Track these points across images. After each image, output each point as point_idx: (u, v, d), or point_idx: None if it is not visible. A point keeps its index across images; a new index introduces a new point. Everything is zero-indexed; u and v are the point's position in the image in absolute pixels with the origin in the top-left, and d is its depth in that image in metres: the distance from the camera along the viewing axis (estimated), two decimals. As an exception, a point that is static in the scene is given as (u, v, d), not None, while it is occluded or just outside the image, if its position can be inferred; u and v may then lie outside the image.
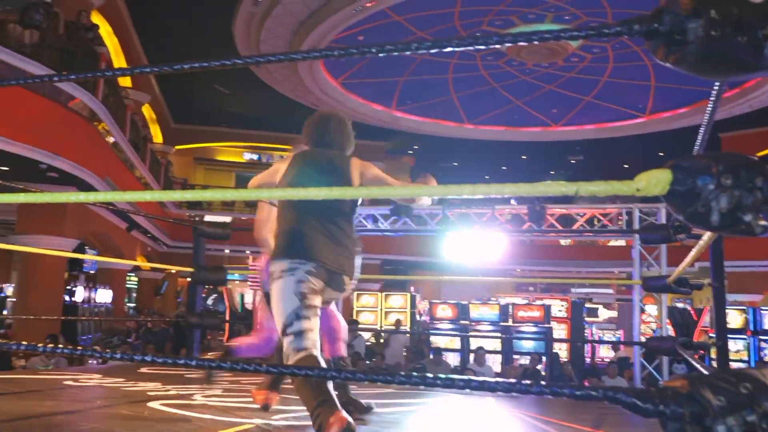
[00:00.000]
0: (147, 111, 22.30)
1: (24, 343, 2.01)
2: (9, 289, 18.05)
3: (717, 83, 1.86)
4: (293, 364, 2.55)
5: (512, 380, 1.32)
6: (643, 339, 9.68)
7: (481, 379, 1.30)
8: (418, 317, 16.18)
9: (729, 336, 4.93)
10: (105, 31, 16.11)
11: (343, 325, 3.59)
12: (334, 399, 2.42)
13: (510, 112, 21.74)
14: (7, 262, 22.97)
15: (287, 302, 2.68)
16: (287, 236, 2.86)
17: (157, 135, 24.17)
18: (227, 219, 22.71)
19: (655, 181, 1.22)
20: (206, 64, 1.89)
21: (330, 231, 2.88)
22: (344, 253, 2.91)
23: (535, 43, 1.40)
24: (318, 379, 2.41)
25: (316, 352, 2.61)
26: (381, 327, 14.53)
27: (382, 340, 13.55)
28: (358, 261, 3.01)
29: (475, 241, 9.89)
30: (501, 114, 21.82)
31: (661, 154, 22.25)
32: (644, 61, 17.78)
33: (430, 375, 1.35)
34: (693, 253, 3.04)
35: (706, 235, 2.83)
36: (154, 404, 3.72)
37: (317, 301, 2.77)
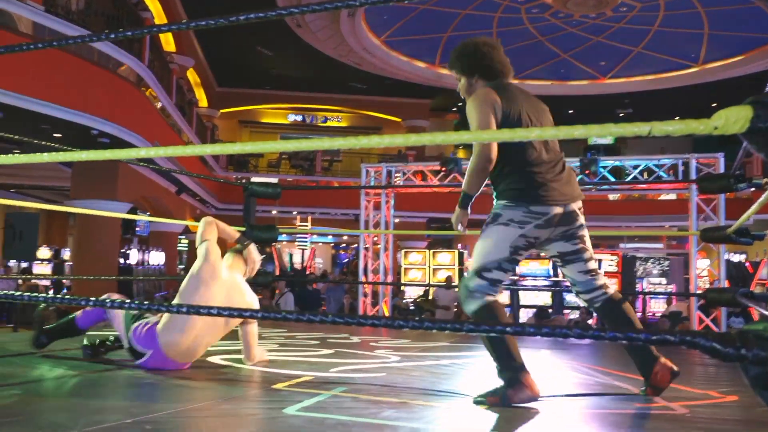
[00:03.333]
0: (191, 75, 22.46)
1: (92, 298, 2.06)
2: (66, 254, 18.62)
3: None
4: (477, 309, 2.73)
5: (585, 325, 1.30)
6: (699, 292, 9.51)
7: (552, 325, 1.29)
8: (466, 274, 16.14)
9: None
10: (149, -5, 16.20)
11: None
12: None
13: (556, 66, 21.29)
14: (64, 228, 23.70)
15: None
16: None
17: (202, 99, 24.39)
18: (274, 180, 22.90)
19: (735, 118, 1.17)
20: (242, 17, 1.88)
21: None
22: None
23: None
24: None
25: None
26: (429, 284, 14.56)
27: (430, 297, 13.60)
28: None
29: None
30: (547, 68, 21.38)
31: (714, 105, 21.54)
32: (697, 8, 17.13)
33: (500, 323, 1.34)
34: (762, 198, 2.94)
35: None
36: (215, 359, 3.81)
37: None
